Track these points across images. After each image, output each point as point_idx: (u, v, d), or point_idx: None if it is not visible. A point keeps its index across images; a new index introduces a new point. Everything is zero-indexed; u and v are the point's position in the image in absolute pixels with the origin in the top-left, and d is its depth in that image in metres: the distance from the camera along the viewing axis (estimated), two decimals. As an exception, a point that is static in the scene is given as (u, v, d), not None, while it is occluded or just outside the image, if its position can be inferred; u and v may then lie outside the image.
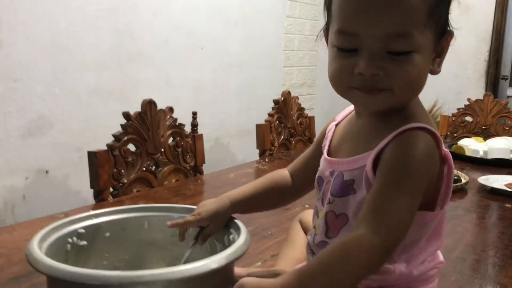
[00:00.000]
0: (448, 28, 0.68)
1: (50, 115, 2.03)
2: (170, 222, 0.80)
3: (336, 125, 0.80)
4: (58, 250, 0.73)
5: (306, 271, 0.57)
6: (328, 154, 0.75)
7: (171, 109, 1.71)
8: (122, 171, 1.49)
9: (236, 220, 0.79)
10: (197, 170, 1.81)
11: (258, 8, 3.14)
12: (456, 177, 1.59)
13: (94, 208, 1.35)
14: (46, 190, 2.04)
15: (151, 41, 2.44)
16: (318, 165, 0.78)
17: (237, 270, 0.76)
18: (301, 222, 0.95)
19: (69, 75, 2.09)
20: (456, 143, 2.19)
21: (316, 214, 0.75)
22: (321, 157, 0.78)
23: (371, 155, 0.65)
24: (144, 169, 1.58)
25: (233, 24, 2.97)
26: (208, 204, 0.81)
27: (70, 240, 0.76)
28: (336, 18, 0.66)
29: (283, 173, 0.87)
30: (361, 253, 0.56)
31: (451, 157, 0.67)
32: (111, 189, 1.47)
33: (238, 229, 0.75)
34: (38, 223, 1.20)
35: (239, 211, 0.82)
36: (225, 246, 0.77)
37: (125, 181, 1.50)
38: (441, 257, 0.75)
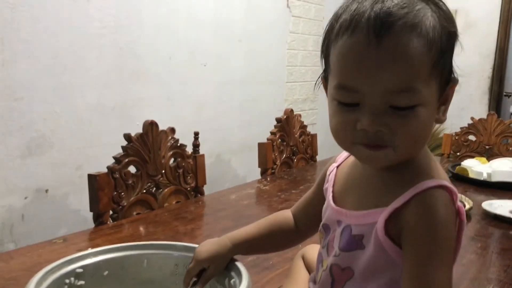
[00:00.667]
0: (453, 76, 0.65)
1: (50, 134, 2.02)
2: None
3: (338, 166, 0.77)
4: (55, 293, 0.71)
5: None
6: (333, 200, 0.73)
7: (172, 130, 1.69)
8: (122, 193, 1.48)
9: (237, 263, 0.77)
10: (198, 190, 1.79)
11: (261, 24, 3.14)
12: (460, 202, 1.57)
13: (93, 232, 1.34)
14: (45, 209, 2.02)
15: (154, 58, 2.44)
16: (321, 207, 0.76)
17: (238, 311, 0.74)
18: (303, 258, 0.93)
19: (71, 93, 2.08)
20: (460, 164, 2.17)
21: (320, 262, 0.73)
22: (323, 199, 0.76)
23: (383, 213, 0.63)
24: (144, 191, 1.57)
25: (236, 40, 2.97)
26: (209, 245, 0.80)
27: (67, 281, 0.75)
28: (336, 72, 0.63)
29: (286, 215, 0.86)
30: None
31: (463, 211, 0.65)
32: (111, 212, 1.46)
33: (239, 273, 0.74)
34: (35, 249, 1.18)
35: (240, 252, 0.81)
36: (226, 289, 0.76)
37: (125, 203, 1.48)
38: None
